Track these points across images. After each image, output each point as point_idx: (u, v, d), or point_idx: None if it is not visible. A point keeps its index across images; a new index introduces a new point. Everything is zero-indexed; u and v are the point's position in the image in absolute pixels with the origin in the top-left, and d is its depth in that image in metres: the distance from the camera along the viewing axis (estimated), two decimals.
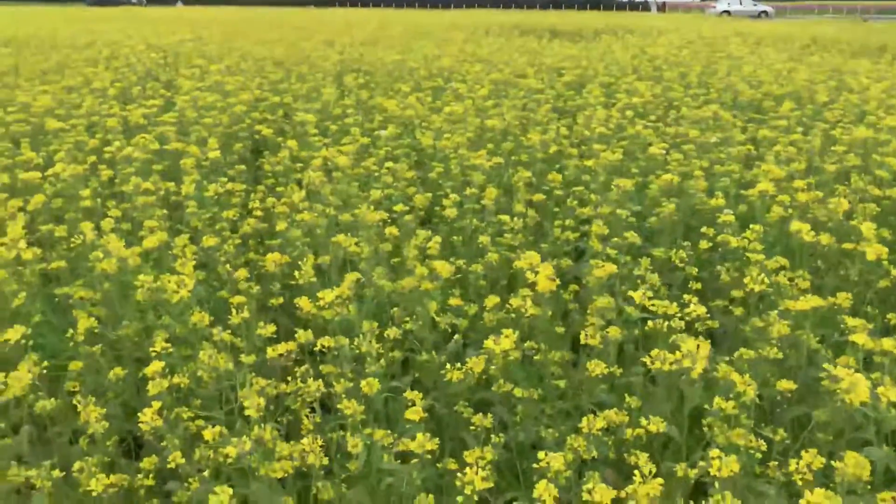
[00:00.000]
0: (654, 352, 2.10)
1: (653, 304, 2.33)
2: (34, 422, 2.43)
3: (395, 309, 3.01)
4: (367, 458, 2.31)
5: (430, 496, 2.03)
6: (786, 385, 2.18)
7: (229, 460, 2.08)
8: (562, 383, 2.66)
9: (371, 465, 2.32)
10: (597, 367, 2.29)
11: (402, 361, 3.01)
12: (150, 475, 2.21)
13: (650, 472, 1.77)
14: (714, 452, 1.74)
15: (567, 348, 3.07)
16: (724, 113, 5.65)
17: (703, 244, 3.35)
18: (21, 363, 2.18)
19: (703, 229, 3.48)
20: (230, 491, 1.80)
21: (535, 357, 2.79)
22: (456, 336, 2.82)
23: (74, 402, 2.19)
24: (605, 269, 2.59)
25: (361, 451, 2.27)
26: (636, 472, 1.74)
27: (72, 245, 3.29)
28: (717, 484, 1.69)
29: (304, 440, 1.96)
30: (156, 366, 2.21)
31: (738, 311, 2.98)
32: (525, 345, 2.72)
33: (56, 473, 1.98)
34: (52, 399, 2.35)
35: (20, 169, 4.49)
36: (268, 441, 2.11)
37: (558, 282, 2.52)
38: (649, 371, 2.78)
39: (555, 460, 1.80)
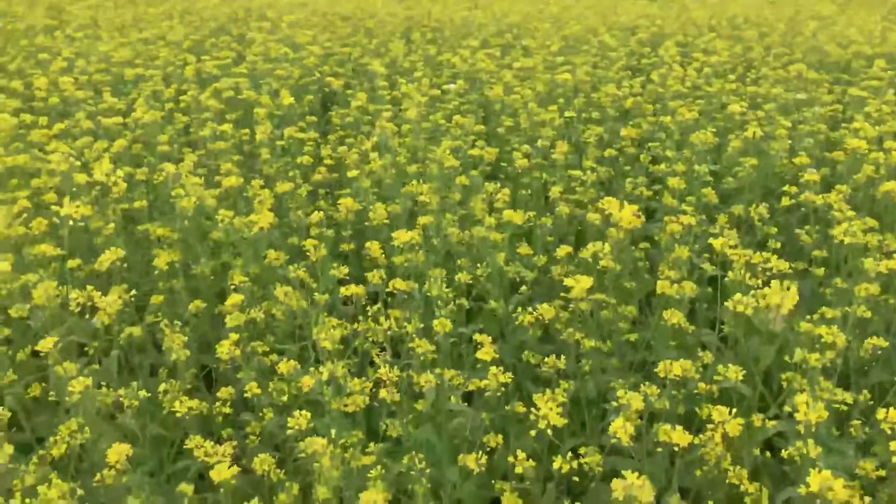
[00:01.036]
0: (737, 296, 2.03)
1: (734, 254, 2.25)
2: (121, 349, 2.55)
3: (463, 260, 3.01)
4: (436, 398, 2.34)
5: (499, 435, 2.04)
6: (875, 341, 2.09)
7: (303, 391, 2.14)
8: (633, 336, 2.62)
9: (439, 406, 2.35)
10: (673, 316, 2.24)
11: (467, 312, 3.02)
12: (228, 403, 2.28)
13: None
14: (800, 397, 1.69)
15: (636, 306, 3.02)
16: (809, 73, 5.37)
17: (785, 201, 3.21)
18: (111, 290, 2.27)
19: (785, 188, 3.33)
20: (308, 415, 1.85)
21: (604, 312, 2.76)
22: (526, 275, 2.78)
23: (163, 325, 2.27)
24: (682, 220, 2.52)
25: (430, 390, 2.30)
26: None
27: (154, 182, 3.40)
28: (800, 428, 1.64)
29: (380, 370, 1.98)
30: (234, 298, 2.28)
31: (820, 271, 2.86)
32: (595, 296, 2.68)
33: (143, 394, 2.08)
34: (138, 327, 2.45)
35: (103, 116, 4.65)
36: (339, 376, 2.15)
37: (643, 219, 2.46)
38: (721, 330, 2.72)
39: (634, 399, 1.78)
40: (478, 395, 2.49)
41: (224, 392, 2.37)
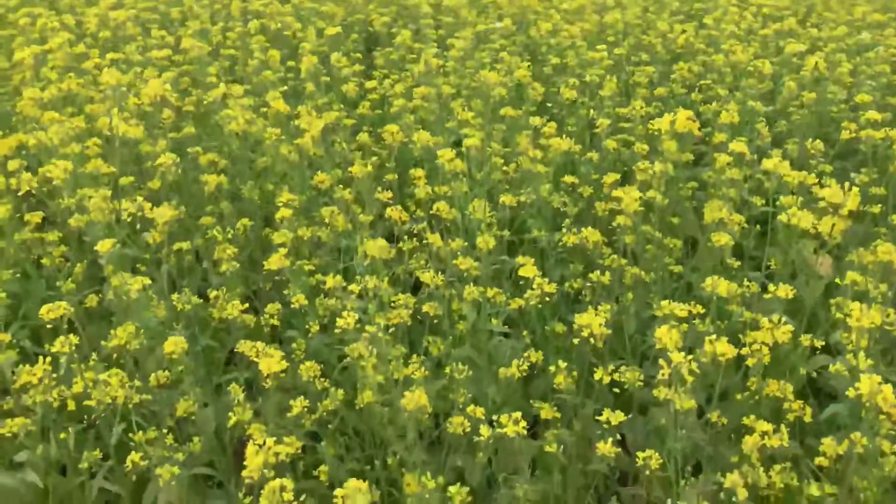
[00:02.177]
0: (792, 207, 1.99)
1: (787, 176, 2.20)
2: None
3: (506, 195, 2.99)
4: (477, 319, 2.36)
5: (539, 352, 2.06)
6: None
7: (347, 307, 2.18)
8: (677, 268, 2.60)
9: (480, 327, 2.38)
10: (721, 238, 2.20)
11: (508, 245, 3.02)
12: (275, 317, 2.34)
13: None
14: (854, 305, 1.65)
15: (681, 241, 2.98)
16: (873, 15, 5.13)
17: (845, 134, 3.11)
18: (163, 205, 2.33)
19: (844, 124, 3.22)
20: (355, 316, 1.88)
21: (648, 247, 2.73)
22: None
23: (214, 232, 2.32)
24: (732, 147, 2.45)
25: (471, 311, 2.32)
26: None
27: (203, 104, 3.45)
28: (852, 335, 1.62)
29: (426, 275, 2.00)
30: (283, 213, 2.32)
31: (875, 208, 2.78)
32: (642, 228, 2.66)
33: (195, 299, 2.14)
34: (188, 242, 2.52)
35: (152, 51, 4.71)
36: (382, 291, 2.19)
37: (699, 124, 2.42)
38: (769, 268, 2.67)
39: (678, 309, 1.77)
40: (520, 319, 2.51)
41: (271, 308, 2.43)
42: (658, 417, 2.10)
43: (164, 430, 2.02)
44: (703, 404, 2.09)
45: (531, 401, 2.21)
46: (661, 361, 1.57)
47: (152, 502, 2.10)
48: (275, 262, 2.25)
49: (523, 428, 1.62)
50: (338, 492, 1.39)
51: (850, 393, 1.48)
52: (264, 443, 1.47)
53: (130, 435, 1.91)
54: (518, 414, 1.65)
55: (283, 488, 1.38)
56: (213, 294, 2.23)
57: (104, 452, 2.10)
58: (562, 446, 1.80)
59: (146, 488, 2.12)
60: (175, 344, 1.87)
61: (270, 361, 1.73)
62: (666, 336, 1.54)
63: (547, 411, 2.00)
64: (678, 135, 2.45)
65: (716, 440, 2.17)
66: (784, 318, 1.75)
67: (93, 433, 2.32)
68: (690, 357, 1.54)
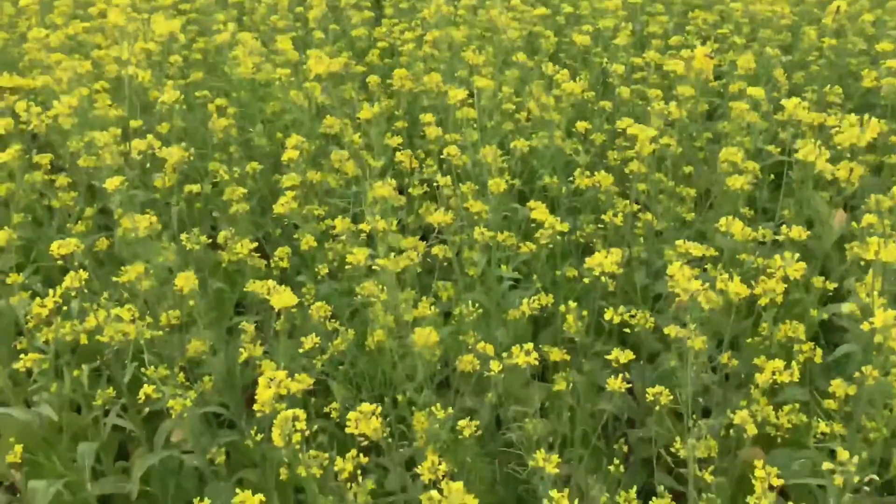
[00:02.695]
0: (806, 146, 1.95)
1: (806, 118, 2.15)
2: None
3: (519, 140, 2.96)
4: (487, 265, 2.36)
5: (550, 295, 2.06)
6: None
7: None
8: (690, 216, 2.57)
9: (490, 274, 2.38)
10: (735, 182, 2.17)
11: (519, 194, 3.00)
12: (284, 259, 2.34)
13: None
14: (872, 241, 1.63)
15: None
16: None
17: (867, 82, 3.04)
18: (172, 146, 2.31)
19: (864, 72, 3.15)
20: (366, 251, 1.88)
21: (661, 196, 2.70)
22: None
23: (222, 172, 2.30)
24: (749, 91, 2.40)
25: (482, 256, 2.32)
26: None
27: (209, 48, 3.40)
28: (868, 277, 1.60)
29: (435, 216, 1.99)
30: (291, 154, 2.30)
31: (894, 158, 2.73)
32: (656, 176, 2.63)
33: (203, 239, 2.14)
34: (198, 185, 2.51)
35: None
36: (391, 236, 2.18)
37: (717, 61, 2.36)
38: (782, 218, 2.64)
39: (693, 247, 1.75)
40: (531, 266, 2.50)
41: (281, 251, 2.43)
42: (667, 362, 2.10)
43: (176, 370, 2.04)
44: (713, 353, 2.09)
45: (541, 346, 2.22)
46: (671, 284, 1.54)
47: (165, 439, 2.14)
48: (283, 204, 2.23)
49: (534, 359, 1.62)
50: (350, 415, 1.40)
51: (865, 326, 1.47)
52: (275, 377, 1.48)
53: (143, 370, 1.93)
54: (529, 345, 1.65)
55: (295, 418, 1.39)
56: (222, 235, 2.23)
57: (117, 391, 2.13)
58: (570, 385, 1.81)
59: (159, 427, 2.16)
60: (186, 280, 1.87)
61: (282, 296, 1.73)
62: (679, 272, 1.52)
63: (556, 354, 2.00)
64: (693, 80, 2.39)
65: (725, 386, 2.18)
66: (797, 256, 1.73)
67: (106, 374, 2.35)
68: (707, 285, 1.52)
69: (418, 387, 1.93)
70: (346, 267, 1.91)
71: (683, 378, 1.66)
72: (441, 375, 2.31)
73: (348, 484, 1.54)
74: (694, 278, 1.77)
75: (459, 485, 1.11)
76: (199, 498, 1.78)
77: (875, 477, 1.30)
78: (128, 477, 2.21)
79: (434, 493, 1.13)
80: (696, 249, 1.76)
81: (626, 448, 2.05)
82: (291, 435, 1.34)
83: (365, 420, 1.36)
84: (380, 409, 1.40)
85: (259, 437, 1.81)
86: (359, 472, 1.55)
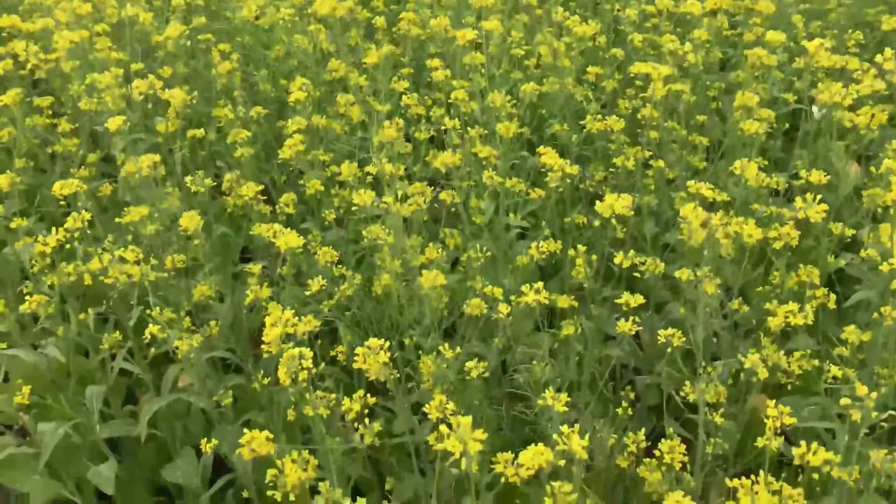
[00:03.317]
0: (827, 91, 1.90)
1: (825, 60, 2.09)
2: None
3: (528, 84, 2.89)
4: (494, 214, 2.32)
5: (559, 241, 2.03)
6: None
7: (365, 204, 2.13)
8: (701, 164, 2.52)
9: (497, 222, 2.34)
10: (751, 126, 2.11)
11: (528, 144, 2.95)
12: (290, 205, 2.31)
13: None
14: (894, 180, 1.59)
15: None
16: None
17: (885, 26, 2.95)
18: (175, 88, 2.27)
19: (884, 18, 3.06)
20: (372, 194, 1.85)
21: (673, 144, 2.65)
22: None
23: (226, 111, 2.26)
24: (770, 35, 2.33)
25: (489, 203, 2.28)
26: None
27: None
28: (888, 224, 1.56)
29: (443, 156, 1.95)
30: (297, 95, 2.25)
31: None
32: (668, 123, 2.58)
33: (208, 182, 2.11)
34: (201, 129, 2.47)
35: None
36: (398, 181, 2.14)
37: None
38: (795, 171, 2.59)
39: (706, 188, 1.71)
40: (540, 215, 2.47)
41: (286, 197, 2.39)
42: (676, 311, 2.08)
43: (182, 314, 2.03)
44: (724, 302, 2.07)
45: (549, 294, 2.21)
46: (683, 227, 1.51)
47: (172, 383, 2.14)
48: (290, 147, 2.19)
49: (544, 298, 1.60)
50: (358, 350, 1.39)
51: (885, 267, 1.44)
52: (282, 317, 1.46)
53: (149, 313, 1.92)
54: (539, 284, 1.63)
55: (301, 356, 1.38)
56: (227, 178, 2.20)
57: (123, 336, 2.13)
58: (578, 330, 1.79)
59: (166, 372, 2.17)
60: (190, 219, 1.84)
61: (287, 238, 1.70)
62: (692, 214, 1.48)
63: (564, 300, 1.98)
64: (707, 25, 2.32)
65: (734, 334, 2.16)
66: (819, 197, 1.69)
67: (113, 320, 2.35)
68: (726, 220, 1.48)
69: (425, 331, 1.92)
70: (353, 210, 1.87)
71: (693, 323, 1.64)
72: (448, 322, 2.29)
73: (355, 424, 1.53)
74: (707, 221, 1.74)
75: (468, 419, 1.10)
76: (206, 440, 1.80)
77: (894, 412, 1.28)
78: (135, 420, 2.22)
79: (443, 427, 1.12)
80: (709, 192, 1.72)
81: (633, 395, 2.04)
82: (298, 373, 1.33)
83: (373, 356, 1.35)
84: (388, 345, 1.38)
85: (266, 380, 1.80)
86: (366, 412, 1.54)
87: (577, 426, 1.15)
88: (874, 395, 1.23)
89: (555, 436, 1.13)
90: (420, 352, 1.88)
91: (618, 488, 1.92)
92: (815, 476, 1.36)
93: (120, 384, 2.40)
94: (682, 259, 2.21)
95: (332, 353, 1.93)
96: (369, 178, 2.21)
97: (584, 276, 1.80)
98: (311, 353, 1.38)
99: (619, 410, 1.69)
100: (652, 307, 2.33)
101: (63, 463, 2.06)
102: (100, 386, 2.14)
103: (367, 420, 1.68)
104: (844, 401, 1.26)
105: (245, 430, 1.44)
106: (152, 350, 2.01)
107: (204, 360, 2.19)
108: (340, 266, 2.09)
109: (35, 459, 1.98)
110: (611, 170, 2.32)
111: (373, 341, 1.37)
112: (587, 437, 1.11)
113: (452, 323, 2.25)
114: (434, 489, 1.36)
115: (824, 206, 1.63)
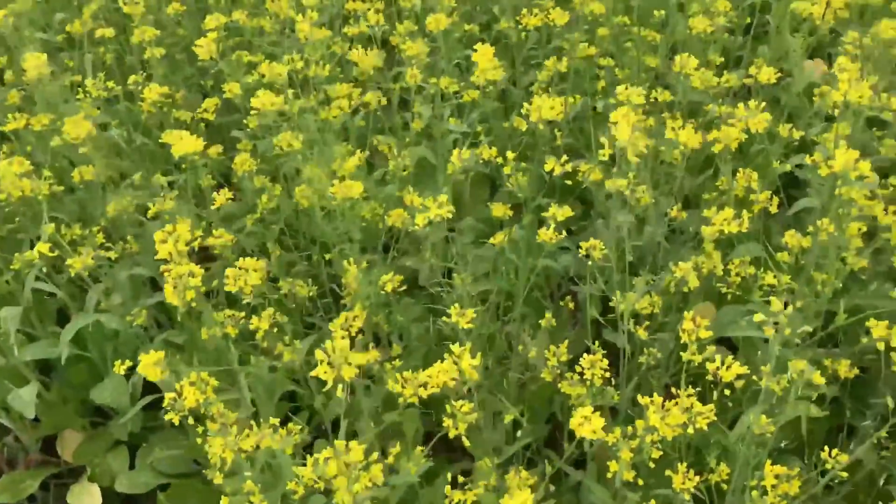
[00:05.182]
0: None
1: None
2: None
3: None
4: (430, 115, 2.17)
5: (493, 148, 1.90)
6: None
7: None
8: (653, 61, 2.36)
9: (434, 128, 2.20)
10: (699, 23, 1.95)
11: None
12: (212, 111, 2.14)
13: None
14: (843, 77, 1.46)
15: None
16: None
17: None
18: None
19: None
20: (274, 97, 1.69)
21: (628, 43, 2.48)
22: None
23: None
24: None
25: (426, 106, 2.13)
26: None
27: None
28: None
29: (355, 54, 1.78)
30: None
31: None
32: (619, 19, 2.40)
33: (111, 84, 1.93)
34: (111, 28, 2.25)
35: None
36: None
37: None
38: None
39: (635, 94, 1.58)
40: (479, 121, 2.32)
41: (209, 102, 2.22)
42: (617, 220, 1.99)
43: (95, 229, 1.90)
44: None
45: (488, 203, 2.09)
46: (614, 132, 1.38)
47: (96, 302, 2.04)
48: (206, 47, 1.99)
49: (448, 212, 1.49)
50: (229, 271, 1.28)
51: (823, 171, 1.34)
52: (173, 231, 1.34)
53: (59, 234, 1.79)
54: (444, 197, 1.51)
55: (191, 274, 1.27)
56: (132, 79, 2.01)
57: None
58: (507, 238, 1.69)
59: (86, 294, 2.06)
60: (76, 125, 1.68)
61: (184, 142, 1.55)
62: (623, 118, 1.35)
63: (499, 209, 1.87)
64: None
65: (678, 243, 2.07)
66: (763, 106, 1.57)
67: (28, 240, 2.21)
68: (645, 143, 1.35)
69: (352, 247, 1.81)
70: (252, 114, 1.70)
71: (628, 232, 1.54)
72: (388, 237, 2.19)
73: (265, 343, 1.45)
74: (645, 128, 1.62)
75: (344, 343, 1.00)
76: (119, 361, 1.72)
77: (808, 328, 1.22)
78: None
79: (318, 352, 1.03)
80: (638, 97, 1.58)
81: (571, 305, 1.97)
82: (185, 292, 1.22)
83: (244, 276, 1.24)
84: (262, 264, 1.28)
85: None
86: (281, 332, 1.46)
87: (468, 345, 1.06)
88: (789, 308, 1.16)
89: (446, 355, 1.05)
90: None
91: (555, 400, 1.87)
92: (741, 385, 1.30)
93: (50, 307, 2.30)
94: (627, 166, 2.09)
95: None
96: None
97: (516, 183, 1.68)
98: (201, 271, 1.27)
99: (542, 322, 1.61)
100: (595, 216, 2.23)
101: None
102: (15, 307, 2.03)
103: (287, 339, 1.61)
104: (758, 316, 1.18)
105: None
106: (71, 270, 1.89)
107: (124, 278, 2.08)
108: (263, 177, 1.96)
109: None
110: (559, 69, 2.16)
111: (249, 261, 1.26)
112: (479, 356, 1.03)
113: (394, 237, 2.14)
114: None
115: (766, 116, 1.51)
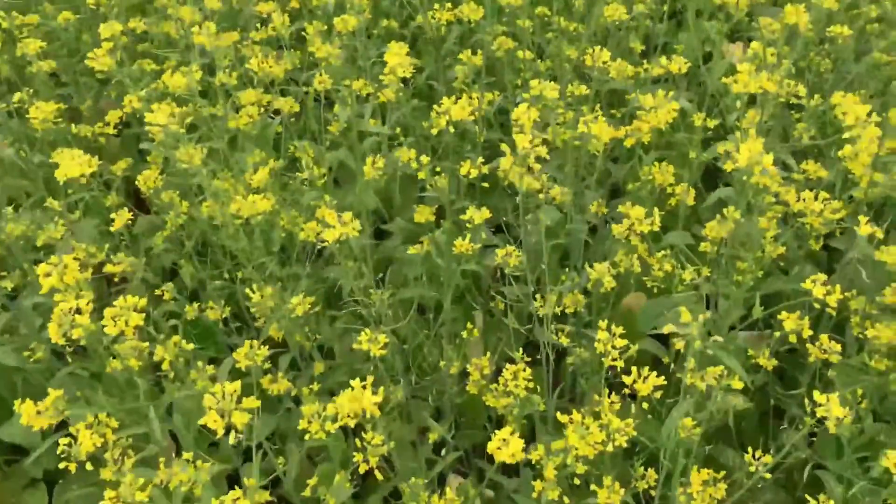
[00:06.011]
0: None
1: None
2: None
3: None
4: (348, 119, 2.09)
5: (412, 150, 1.83)
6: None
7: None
8: (572, 52, 2.32)
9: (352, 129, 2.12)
10: (615, 12, 1.92)
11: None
12: (111, 125, 2.02)
13: None
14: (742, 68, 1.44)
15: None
16: None
17: None
18: None
19: None
20: (168, 107, 1.58)
21: (549, 35, 2.43)
22: None
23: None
24: None
25: (343, 109, 2.05)
26: None
27: None
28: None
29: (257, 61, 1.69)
30: None
31: None
32: (538, 10, 2.35)
33: None
34: None
35: None
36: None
37: None
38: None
39: (549, 88, 1.54)
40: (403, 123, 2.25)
41: (112, 115, 2.10)
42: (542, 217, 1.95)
43: None
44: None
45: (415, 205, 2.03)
46: (515, 130, 1.33)
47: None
48: (100, 59, 1.87)
49: (357, 226, 1.42)
50: (107, 311, 1.19)
51: (728, 166, 1.32)
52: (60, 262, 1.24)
53: None
54: (349, 215, 1.44)
55: (78, 311, 1.17)
56: (17, 97, 1.88)
57: None
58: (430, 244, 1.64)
59: None
60: None
61: (68, 165, 1.44)
62: (524, 115, 1.30)
63: (424, 212, 1.82)
64: None
65: (606, 238, 2.05)
66: (672, 95, 1.54)
67: None
68: (541, 139, 1.31)
69: (267, 262, 1.73)
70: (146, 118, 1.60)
71: (546, 231, 1.50)
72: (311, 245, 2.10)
73: (171, 373, 1.36)
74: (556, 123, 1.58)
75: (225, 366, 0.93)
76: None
77: (719, 338, 1.20)
78: None
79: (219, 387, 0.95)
80: (552, 91, 1.54)
81: (502, 306, 1.93)
82: (69, 330, 1.13)
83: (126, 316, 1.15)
84: (144, 302, 1.19)
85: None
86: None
87: (370, 378, 1.00)
88: (701, 318, 1.14)
89: (348, 389, 0.99)
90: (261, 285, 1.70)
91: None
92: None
93: None
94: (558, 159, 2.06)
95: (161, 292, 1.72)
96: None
97: (432, 186, 1.63)
98: (90, 307, 1.17)
99: (465, 333, 1.57)
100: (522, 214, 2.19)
101: None
102: None
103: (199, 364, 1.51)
104: (669, 327, 1.16)
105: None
106: None
107: (28, 307, 1.96)
108: (171, 191, 1.85)
109: None
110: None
111: (130, 299, 1.17)
112: (381, 390, 0.97)
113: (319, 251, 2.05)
114: None
115: (675, 105, 1.48)
